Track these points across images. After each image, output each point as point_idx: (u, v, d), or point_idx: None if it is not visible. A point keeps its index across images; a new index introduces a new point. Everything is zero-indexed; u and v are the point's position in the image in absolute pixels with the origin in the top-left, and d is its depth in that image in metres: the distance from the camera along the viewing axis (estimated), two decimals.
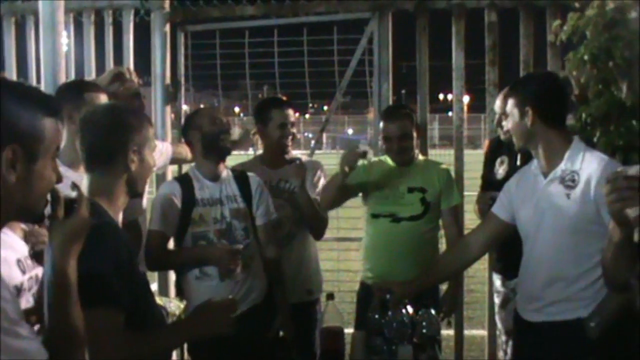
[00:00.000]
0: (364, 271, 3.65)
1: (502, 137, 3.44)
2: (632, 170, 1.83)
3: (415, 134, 3.53)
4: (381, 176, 3.54)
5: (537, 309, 2.69)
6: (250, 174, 3.34)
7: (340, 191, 3.40)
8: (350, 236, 5.12)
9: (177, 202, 3.16)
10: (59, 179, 1.53)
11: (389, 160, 3.59)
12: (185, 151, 3.66)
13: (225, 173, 3.26)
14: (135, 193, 2.15)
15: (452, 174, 3.87)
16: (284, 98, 3.88)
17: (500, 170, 3.50)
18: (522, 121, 2.65)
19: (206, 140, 3.16)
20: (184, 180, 3.25)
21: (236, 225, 3.20)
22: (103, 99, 2.92)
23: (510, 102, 2.71)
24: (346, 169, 3.22)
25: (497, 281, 3.75)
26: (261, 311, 3.18)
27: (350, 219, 4.96)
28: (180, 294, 3.37)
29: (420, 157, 3.69)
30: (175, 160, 3.75)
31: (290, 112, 3.61)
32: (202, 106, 4.09)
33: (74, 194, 1.66)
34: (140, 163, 2.08)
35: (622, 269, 2.02)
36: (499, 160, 3.54)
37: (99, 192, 2.05)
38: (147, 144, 2.12)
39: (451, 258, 3.13)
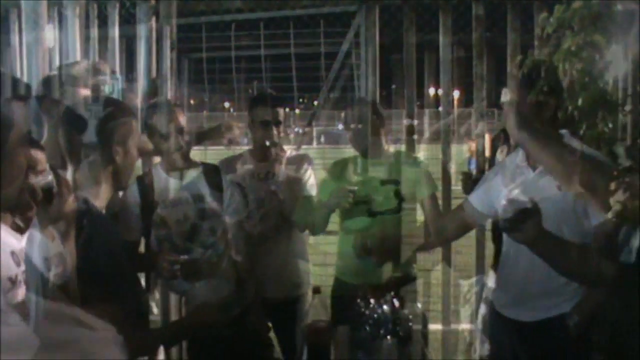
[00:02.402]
0: (338, 267, 3.59)
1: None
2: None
3: (377, 125, 3.47)
4: (353, 174, 3.50)
5: (519, 303, 2.69)
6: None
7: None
8: (337, 229, 5.09)
9: (137, 207, 3.08)
10: (32, 164, 1.51)
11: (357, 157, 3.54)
12: None
13: (194, 168, 3.16)
14: (121, 185, 2.15)
15: (439, 168, 3.85)
16: (274, 94, 3.77)
17: (500, 159, 3.51)
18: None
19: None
20: (144, 181, 3.13)
21: (201, 226, 3.09)
22: (84, 92, 2.90)
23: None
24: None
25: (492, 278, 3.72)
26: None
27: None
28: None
29: (391, 149, 3.63)
30: None
31: (277, 110, 3.52)
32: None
33: (49, 178, 1.64)
34: (124, 155, 2.08)
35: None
36: (499, 149, 3.55)
37: (85, 184, 2.04)
38: (131, 135, 2.12)
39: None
